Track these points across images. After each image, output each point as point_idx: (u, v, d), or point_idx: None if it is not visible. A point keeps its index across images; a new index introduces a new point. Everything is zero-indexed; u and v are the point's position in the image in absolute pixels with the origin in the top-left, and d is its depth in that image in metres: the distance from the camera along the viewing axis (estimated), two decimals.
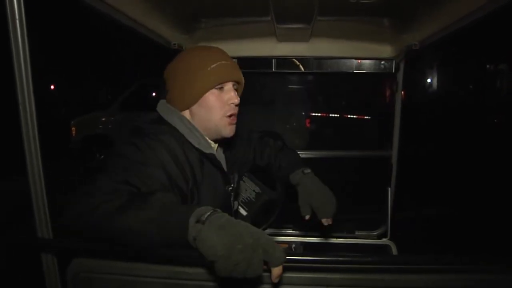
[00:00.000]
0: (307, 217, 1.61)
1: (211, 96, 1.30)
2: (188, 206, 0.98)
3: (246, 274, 0.83)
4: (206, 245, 0.84)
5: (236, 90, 1.38)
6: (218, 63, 1.29)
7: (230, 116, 1.33)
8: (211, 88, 1.29)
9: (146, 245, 0.94)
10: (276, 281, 0.87)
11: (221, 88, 1.32)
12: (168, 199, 0.98)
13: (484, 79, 14.91)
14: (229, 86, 1.33)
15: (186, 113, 1.35)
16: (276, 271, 0.87)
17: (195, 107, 1.32)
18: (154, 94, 8.09)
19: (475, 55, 13.84)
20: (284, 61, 2.41)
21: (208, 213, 0.89)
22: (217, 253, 0.82)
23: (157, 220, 0.92)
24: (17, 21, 1.04)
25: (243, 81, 1.41)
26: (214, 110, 1.31)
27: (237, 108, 1.36)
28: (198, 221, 0.88)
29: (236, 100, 1.33)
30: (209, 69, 1.27)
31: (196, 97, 1.30)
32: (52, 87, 16.99)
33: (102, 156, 8.01)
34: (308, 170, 1.66)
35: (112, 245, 0.98)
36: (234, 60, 1.41)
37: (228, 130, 1.35)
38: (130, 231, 0.92)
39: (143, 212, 0.92)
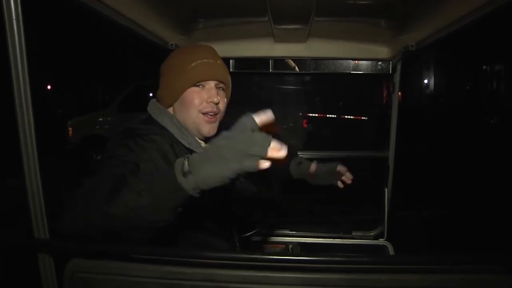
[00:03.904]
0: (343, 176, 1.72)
1: (190, 93, 1.31)
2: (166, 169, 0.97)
3: (262, 146, 0.84)
4: (211, 180, 0.88)
5: (223, 91, 1.38)
6: (199, 61, 1.30)
7: (207, 113, 1.32)
8: (190, 86, 1.30)
9: (150, 220, 0.93)
10: (282, 153, 0.86)
11: (202, 87, 1.32)
12: (148, 169, 1.00)
13: (480, 80, 14.98)
14: (210, 84, 1.33)
15: (170, 111, 1.36)
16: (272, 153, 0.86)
17: (176, 105, 1.34)
18: (151, 94, 8.08)
19: (472, 56, 13.90)
20: (281, 62, 2.41)
21: (185, 162, 0.89)
22: (225, 172, 0.86)
23: (150, 191, 0.91)
24: (14, 21, 1.04)
25: (228, 81, 1.40)
26: (192, 107, 1.31)
27: (217, 107, 1.34)
28: (184, 175, 0.88)
29: (215, 99, 1.31)
30: (189, 67, 1.29)
31: (176, 95, 1.32)
32: (49, 87, 16.90)
33: (99, 157, 7.98)
34: (300, 160, 1.71)
35: (109, 245, 0.97)
36: (222, 60, 1.41)
37: (206, 128, 1.34)
38: (128, 211, 0.91)
39: (130, 190, 0.91)
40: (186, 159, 0.89)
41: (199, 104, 1.31)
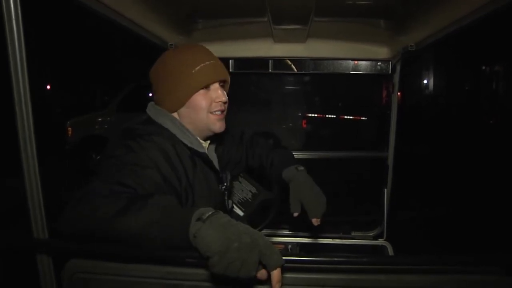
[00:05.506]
0: (295, 214, 1.60)
1: (198, 97, 1.31)
2: (189, 208, 0.99)
3: (239, 273, 0.83)
4: (204, 241, 0.85)
5: (222, 87, 1.39)
6: (202, 64, 1.30)
7: (217, 113, 1.35)
8: (197, 91, 1.30)
9: (147, 247, 0.95)
10: (277, 286, 0.87)
11: (207, 88, 1.33)
12: (167, 201, 0.98)
13: (480, 80, 14.99)
14: (215, 85, 1.35)
15: (175, 115, 1.36)
16: (275, 274, 0.87)
17: (182, 109, 1.34)
18: (150, 94, 8.03)
19: (472, 57, 13.91)
20: (280, 62, 2.41)
21: (210, 213, 0.90)
22: (213, 249, 0.83)
23: (157, 222, 0.92)
24: (14, 21, 1.04)
25: (228, 78, 1.42)
26: (201, 110, 1.32)
27: (225, 105, 1.37)
28: (199, 219, 0.88)
29: (224, 98, 1.35)
30: (193, 71, 1.28)
31: (182, 101, 1.32)
32: (48, 87, 16.87)
33: (98, 157, 7.97)
34: (302, 168, 1.65)
35: (108, 246, 0.98)
36: (222, 60, 1.42)
37: (218, 126, 1.36)
38: (131, 234, 0.93)
39: (143, 215, 0.93)
40: (209, 214, 0.90)
41: (207, 105, 1.32)
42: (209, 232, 0.85)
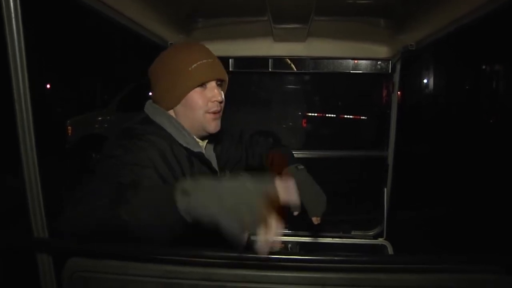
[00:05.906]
0: (295, 213, 1.60)
1: (194, 95, 1.31)
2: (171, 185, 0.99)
3: (254, 219, 0.86)
4: (201, 213, 0.86)
5: (220, 86, 1.39)
6: (199, 62, 1.29)
7: (213, 112, 1.34)
8: (193, 88, 1.30)
9: (148, 235, 0.95)
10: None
11: (204, 86, 1.32)
12: (152, 182, 0.99)
13: (480, 80, 14.99)
14: (212, 84, 1.34)
15: (171, 113, 1.36)
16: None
17: (178, 107, 1.34)
18: (150, 93, 8.02)
19: (472, 56, 13.90)
20: (280, 61, 2.41)
21: (188, 182, 0.91)
22: (215, 214, 0.85)
23: (148, 207, 0.93)
24: (13, 20, 1.04)
25: (226, 78, 1.41)
26: (197, 108, 1.32)
27: (221, 105, 1.37)
28: (184, 194, 0.89)
29: (220, 98, 1.34)
30: (190, 69, 1.28)
31: (178, 98, 1.32)
32: (48, 85, 16.85)
33: (98, 157, 7.95)
34: (302, 167, 1.65)
35: (108, 244, 0.98)
36: (222, 59, 1.42)
37: (213, 126, 1.35)
38: (129, 226, 0.93)
39: (134, 203, 0.93)
40: (191, 181, 0.91)
41: (204, 104, 1.32)
42: (200, 200, 0.87)
